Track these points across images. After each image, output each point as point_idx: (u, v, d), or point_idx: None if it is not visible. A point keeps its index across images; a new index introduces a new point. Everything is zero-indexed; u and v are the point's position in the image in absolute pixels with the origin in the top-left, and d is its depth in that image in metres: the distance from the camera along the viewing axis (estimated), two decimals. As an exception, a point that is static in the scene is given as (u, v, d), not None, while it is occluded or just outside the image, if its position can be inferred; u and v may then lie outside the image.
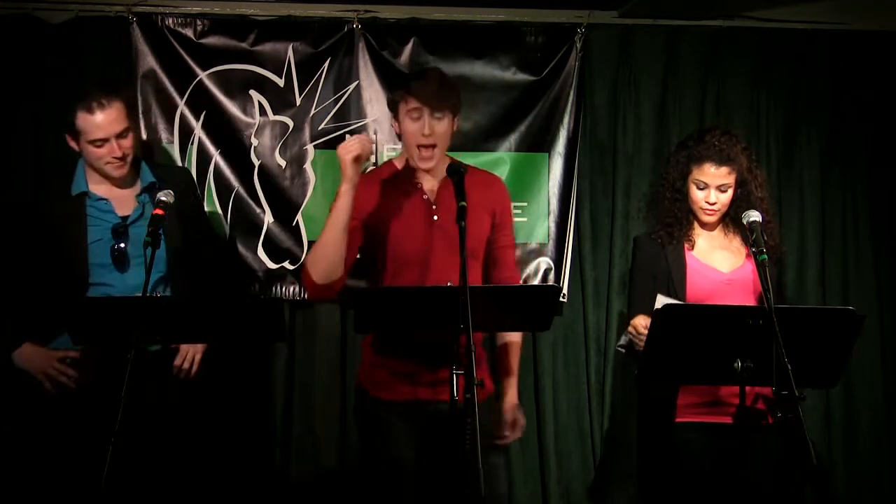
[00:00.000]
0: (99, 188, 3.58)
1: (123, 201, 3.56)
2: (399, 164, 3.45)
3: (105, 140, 3.49)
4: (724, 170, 3.47)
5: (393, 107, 3.39)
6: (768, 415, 3.38)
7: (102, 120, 3.48)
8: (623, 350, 3.55)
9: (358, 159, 3.18)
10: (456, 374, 2.87)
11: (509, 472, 4.39)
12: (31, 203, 3.62)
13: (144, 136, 4.32)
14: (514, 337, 3.55)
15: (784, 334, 2.93)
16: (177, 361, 3.54)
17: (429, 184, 3.37)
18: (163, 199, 3.33)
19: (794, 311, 3.22)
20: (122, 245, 3.48)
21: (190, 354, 3.56)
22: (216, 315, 3.28)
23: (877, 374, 4.64)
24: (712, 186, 3.48)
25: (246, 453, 4.30)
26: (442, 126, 3.31)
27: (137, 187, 3.61)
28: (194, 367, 3.57)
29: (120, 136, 3.50)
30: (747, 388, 3.16)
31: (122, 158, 3.52)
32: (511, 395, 3.52)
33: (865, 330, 3.17)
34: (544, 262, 4.53)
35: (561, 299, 4.52)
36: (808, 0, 4.60)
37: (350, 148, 3.19)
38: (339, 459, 4.46)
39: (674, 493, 3.48)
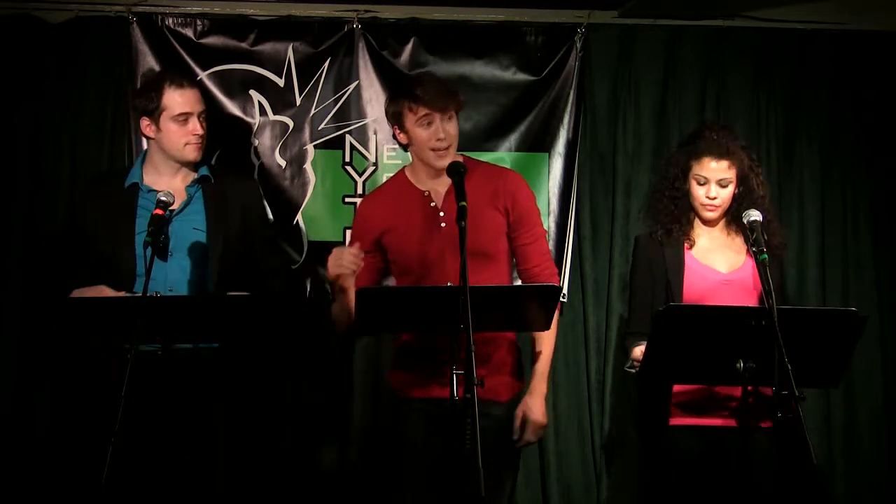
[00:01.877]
0: (152, 181, 3.58)
1: (176, 193, 3.51)
2: (409, 174, 3.44)
3: (189, 114, 3.53)
4: (723, 164, 3.46)
5: (397, 118, 3.34)
6: (768, 416, 3.37)
7: (189, 96, 3.55)
8: (633, 371, 3.53)
9: (340, 277, 3.15)
10: (456, 373, 2.86)
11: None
12: (81, 198, 3.66)
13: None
14: (546, 345, 3.45)
15: (786, 335, 2.92)
16: None
17: (437, 190, 3.36)
18: (162, 199, 3.33)
19: (796, 312, 3.21)
20: (162, 237, 3.47)
21: None
22: (216, 315, 3.28)
23: (877, 374, 4.64)
24: (712, 181, 3.46)
25: (245, 453, 4.30)
26: (452, 126, 3.32)
27: (189, 179, 3.61)
28: None
29: (200, 116, 3.56)
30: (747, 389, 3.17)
31: (202, 139, 3.56)
32: (528, 397, 3.41)
33: (865, 330, 3.16)
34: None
35: (561, 299, 4.52)
36: (808, 0, 4.60)
37: (330, 269, 3.16)
38: (339, 459, 4.46)
39: (673, 495, 3.47)
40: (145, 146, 3.71)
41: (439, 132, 3.27)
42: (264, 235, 3.76)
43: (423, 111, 3.27)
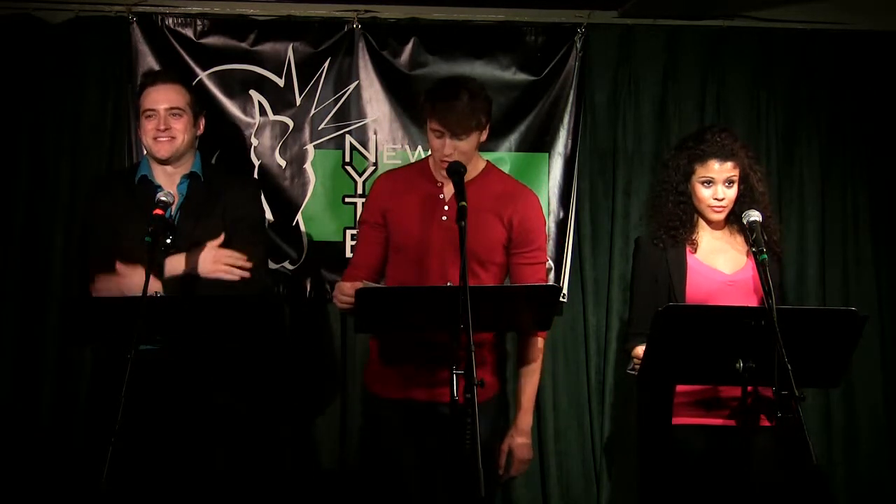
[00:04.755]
0: (160, 180, 3.57)
1: (175, 197, 3.54)
2: (431, 163, 3.48)
3: (154, 111, 3.52)
4: (728, 164, 3.47)
5: (422, 113, 3.40)
6: (769, 416, 3.37)
7: (157, 93, 3.53)
8: (634, 373, 3.53)
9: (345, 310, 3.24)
10: (456, 374, 2.86)
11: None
12: (93, 198, 3.64)
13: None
14: (532, 379, 3.46)
15: (787, 335, 2.92)
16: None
17: (450, 184, 3.37)
18: (162, 199, 3.32)
19: (796, 312, 3.21)
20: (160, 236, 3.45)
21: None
22: (216, 315, 3.27)
23: (877, 375, 4.64)
24: (719, 182, 3.47)
25: (245, 453, 4.30)
26: (465, 144, 3.29)
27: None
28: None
29: (171, 111, 3.53)
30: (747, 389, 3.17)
31: (167, 132, 3.52)
32: (513, 431, 3.42)
33: (865, 330, 3.16)
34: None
35: (561, 299, 4.52)
36: (808, 0, 4.60)
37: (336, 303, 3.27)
38: (339, 459, 4.46)
39: (674, 495, 3.47)
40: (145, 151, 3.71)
41: (446, 148, 3.28)
42: (244, 231, 3.64)
43: (435, 124, 3.30)
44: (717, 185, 3.47)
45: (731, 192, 3.49)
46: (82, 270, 3.67)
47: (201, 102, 3.74)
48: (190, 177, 3.58)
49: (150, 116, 3.53)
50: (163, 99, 3.53)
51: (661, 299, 3.44)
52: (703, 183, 3.49)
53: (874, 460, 4.62)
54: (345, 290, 3.18)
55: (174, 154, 3.54)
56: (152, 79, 3.60)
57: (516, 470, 3.43)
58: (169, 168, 3.56)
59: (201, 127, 3.66)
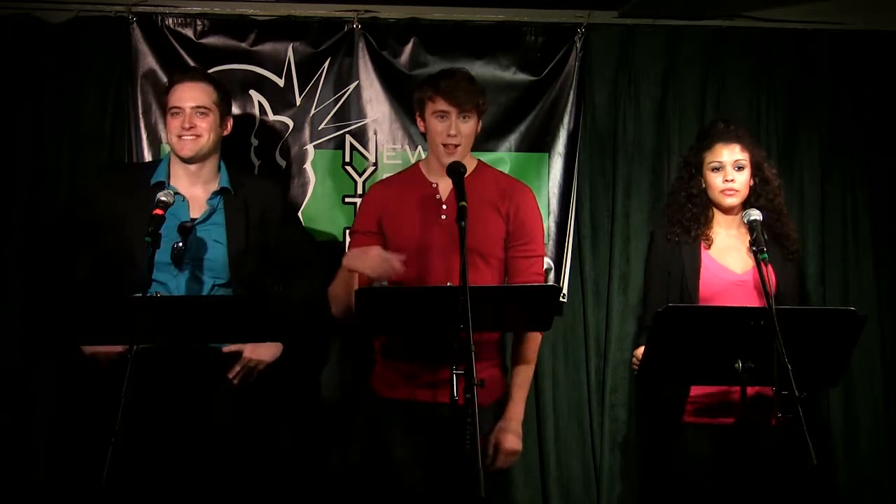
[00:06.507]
0: (178, 184, 3.57)
1: (197, 202, 3.56)
2: (423, 166, 3.52)
3: (180, 109, 3.53)
4: (735, 147, 3.51)
5: (419, 105, 3.44)
6: (772, 416, 3.37)
7: (184, 90, 3.56)
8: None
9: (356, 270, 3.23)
10: (456, 374, 2.86)
11: (510, 470, 4.40)
12: (100, 189, 3.67)
13: (144, 137, 4.33)
14: (526, 371, 3.47)
15: (786, 335, 2.93)
16: (233, 372, 3.56)
17: (445, 183, 3.38)
18: (162, 199, 3.33)
19: (795, 312, 3.22)
20: (181, 244, 3.46)
21: (252, 369, 3.60)
22: (216, 315, 3.28)
23: (877, 375, 4.64)
24: (728, 164, 3.51)
25: (248, 453, 4.30)
26: (468, 127, 3.37)
27: (210, 190, 3.61)
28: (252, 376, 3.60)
29: (197, 110, 3.55)
30: (753, 389, 3.17)
31: (192, 130, 3.53)
32: (503, 422, 3.40)
33: (865, 330, 3.16)
34: (544, 261, 4.53)
35: (561, 299, 4.52)
36: (808, 0, 4.60)
37: (351, 262, 3.23)
38: (338, 459, 4.45)
39: (676, 494, 3.48)
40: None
41: (451, 128, 3.34)
42: (287, 233, 3.76)
43: (441, 104, 3.34)
44: (726, 167, 3.51)
45: (742, 177, 3.51)
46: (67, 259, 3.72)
47: (229, 103, 3.78)
48: (221, 192, 3.60)
49: (175, 114, 3.55)
50: (189, 97, 3.55)
51: (674, 294, 3.46)
52: (713, 170, 3.53)
53: (874, 460, 4.62)
54: (371, 253, 3.19)
55: (198, 153, 3.57)
56: (180, 76, 3.63)
57: (502, 462, 3.38)
58: (192, 167, 3.57)
59: (228, 127, 3.70)
